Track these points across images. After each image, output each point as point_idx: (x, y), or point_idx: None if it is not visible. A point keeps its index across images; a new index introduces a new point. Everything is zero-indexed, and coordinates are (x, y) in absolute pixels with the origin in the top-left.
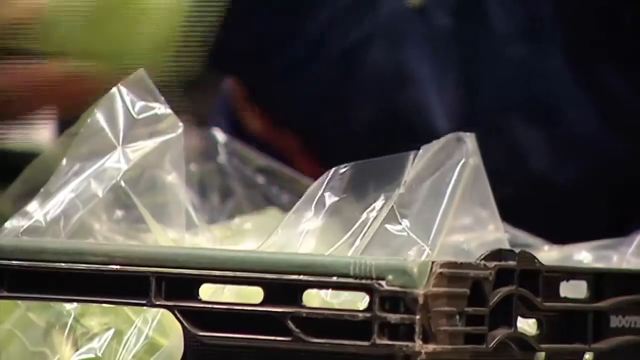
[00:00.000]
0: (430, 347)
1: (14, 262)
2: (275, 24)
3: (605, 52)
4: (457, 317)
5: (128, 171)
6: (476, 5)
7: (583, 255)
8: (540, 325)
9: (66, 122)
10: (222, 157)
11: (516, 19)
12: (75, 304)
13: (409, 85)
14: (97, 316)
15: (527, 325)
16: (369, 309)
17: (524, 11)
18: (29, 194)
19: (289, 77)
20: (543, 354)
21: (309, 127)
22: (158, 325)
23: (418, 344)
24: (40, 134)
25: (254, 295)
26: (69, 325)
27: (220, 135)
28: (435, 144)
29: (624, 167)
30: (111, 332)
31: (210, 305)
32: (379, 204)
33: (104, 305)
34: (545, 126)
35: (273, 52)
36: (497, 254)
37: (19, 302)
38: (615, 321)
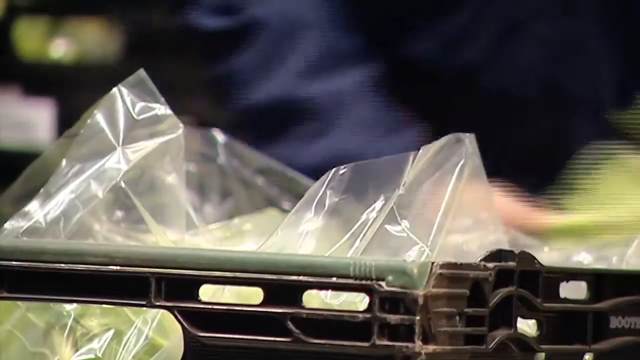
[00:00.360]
0: (430, 347)
1: (14, 262)
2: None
3: None
4: (457, 317)
5: (128, 172)
6: None
7: (583, 256)
8: (540, 325)
9: (66, 122)
10: (222, 158)
11: None
12: (75, 305)
13: (577, 58)
14: (97, 317)
15: (526, 326)
16: (368, 309)
17: None
18: (29, 195)
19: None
20: (543, 354)
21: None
22: (158, 326)
23: (418, 345)
24: (39, 134)
25: (254, 295)
26: (68, 326)
27: (220, 136)
28: (435, 145)
29: None
30: (111, 332)
31: (210, 306)
32: (378, 204)
33: (104, 306)
34: None
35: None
36: (497, 255)
37: (19, 302)
38: (615, 322)
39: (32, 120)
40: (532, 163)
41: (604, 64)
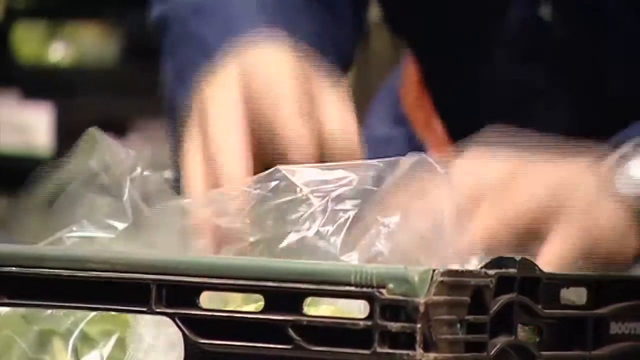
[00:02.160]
0: (431, 355)
1: (14, 269)
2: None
3: None
4: (458, 325)
5: None
6: (599, 26)
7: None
8: (540, 332)
9: (64, 126)
10: None
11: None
12: (76, 311)
13: (532, 96)
14: (98, 324)
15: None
16: (369, 317)
17: None
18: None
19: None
20: None
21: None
22: None
23: (419, 353)
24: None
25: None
26: (69, 333)
27: None
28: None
29: None
30: (113, 339)
31: (210, 313)
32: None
33: (105, 312)
34: None
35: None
36: (497, 262)
37: (20, 309)
38: (615, 328)
39: (31, 123)
40: None
41: None
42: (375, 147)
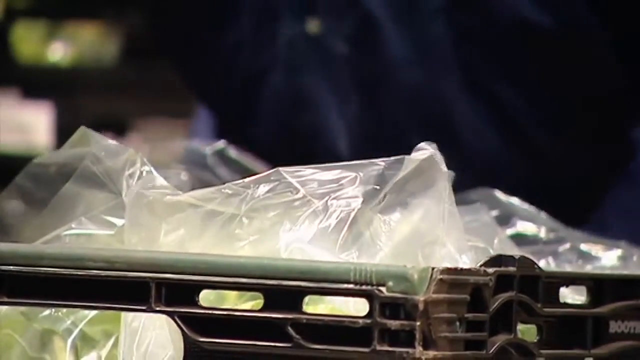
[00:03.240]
0: (431, 353)
1: (13, 267)
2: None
3: (500, 72)
4: (457, 323)
5: None
6: (371, 32)
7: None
8: (540, 330)
9: (64, 125)
10: (210, 165)
11: (411, 44)
12: (75, 310)
13: (307, 108)
14: (97, 324)
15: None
16: (369, 315)
17: (418, 36)
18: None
19: (206, 88)
20: (543, 359)
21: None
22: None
23: (418, 350)
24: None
25: None
26: (69, 332)
27: (204, 146)
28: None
29: (524, 182)
30: (112, 339)
31: (210, 311)
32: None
33: (104, 311)
34: (445, 146)
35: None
36: (497, 260)
37: (20, 307)
38: (614, 326)
39: (31, 123)
40: None
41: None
42: None
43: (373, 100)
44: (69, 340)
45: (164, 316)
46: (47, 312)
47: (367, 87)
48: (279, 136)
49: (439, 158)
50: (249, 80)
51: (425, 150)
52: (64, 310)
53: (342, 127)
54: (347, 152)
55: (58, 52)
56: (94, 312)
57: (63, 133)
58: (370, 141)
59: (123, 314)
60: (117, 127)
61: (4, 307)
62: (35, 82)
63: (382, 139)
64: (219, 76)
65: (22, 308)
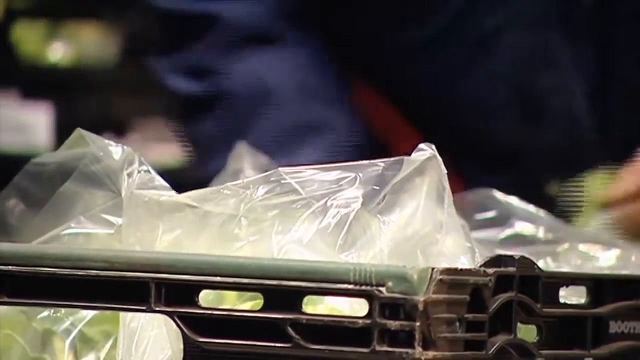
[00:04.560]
0: (430, 353)
1: (14, 267)
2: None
3: None
4: (457, 323)
5: None
6: None
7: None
8: (539, 331)
9: (64, 125)
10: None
11: None
12: (76, 310)
13: (546, 68)
14: (97, 323)
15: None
16: (368, 315)
17: None
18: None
19: (412, 59)
20: (543, 359)
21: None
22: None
23: (418, 351)
24: (37, 137)
25: None
26: (68, 332)
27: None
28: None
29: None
30: (111, 339)
31: (209, 311)
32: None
33: (104, 311)
34: None
35: (395, 33)
36: (496, 260)
37: (20, 307)
38: (614, 327)
39: (31, 123)
40: (499, 171)
41: (573, 75)
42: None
43: (611, 57)
44: (68, 341)
45: (162, 316)
46: (46, 312)
47: (607, 44)
48: (512, 99)
49: (439, 158)
50: (477, 43)
51: (425, 151)
52: (63, 310)
53: (578, 86)
54: (585, 111)
55: (58, 52)
56: (93, 313)
57: (63, 133)
58: (605, 100)
59: (121, 314)
60: (117, 127)
61: (4, 307)
62: (35, 82)
63: (617, 97)
64: (431, 46)
65: (22, 308)
